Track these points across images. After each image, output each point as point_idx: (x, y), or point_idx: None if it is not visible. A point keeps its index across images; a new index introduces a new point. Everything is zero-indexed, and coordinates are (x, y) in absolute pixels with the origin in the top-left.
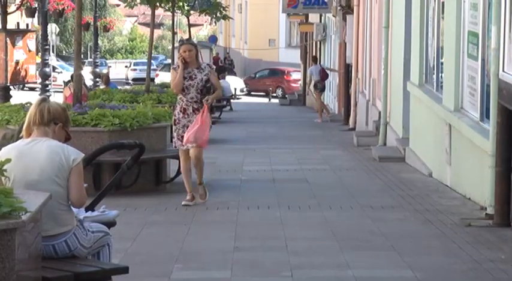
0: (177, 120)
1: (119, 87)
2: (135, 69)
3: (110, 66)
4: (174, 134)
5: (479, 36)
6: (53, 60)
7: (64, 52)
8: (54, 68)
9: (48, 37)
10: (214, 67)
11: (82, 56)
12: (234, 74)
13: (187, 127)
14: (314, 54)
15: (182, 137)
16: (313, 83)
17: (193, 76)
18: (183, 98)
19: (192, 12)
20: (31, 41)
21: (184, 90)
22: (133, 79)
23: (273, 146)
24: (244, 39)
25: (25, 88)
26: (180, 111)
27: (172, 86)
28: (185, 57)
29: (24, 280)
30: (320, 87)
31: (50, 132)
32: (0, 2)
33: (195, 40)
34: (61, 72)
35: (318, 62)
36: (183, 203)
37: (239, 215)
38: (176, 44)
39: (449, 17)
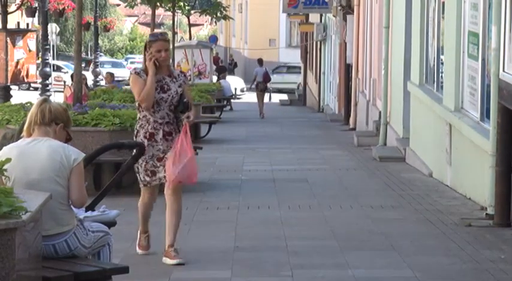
0: None
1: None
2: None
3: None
4: (140, 169)
5: (479, 36)
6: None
7: (65, 52)
8: (59, 68)
9: (49, 37)
10: (188, 75)
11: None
12: (233, 74)
13: (159, 159)
14: (259, 57)
15: (152, 172)
16: (255, 83)
17: (166, 87)
18: (150, 117)
19: (192, 12)
20: (31, 41)
21: (153, 106)
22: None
23: (273, 146)
24: (244, 39)
25: (30, 88)
26: (145, 138)
27: (140, 99)
28: (159, 59)
29: (25, 279)
30: (261, 88)
31: (51, 133)
32: (0, 1)
33: (195, 40)
34: (67, 72)
35: (263, 65)
36: (140, 252)
37: (239, 215)
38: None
39: (450, 17)
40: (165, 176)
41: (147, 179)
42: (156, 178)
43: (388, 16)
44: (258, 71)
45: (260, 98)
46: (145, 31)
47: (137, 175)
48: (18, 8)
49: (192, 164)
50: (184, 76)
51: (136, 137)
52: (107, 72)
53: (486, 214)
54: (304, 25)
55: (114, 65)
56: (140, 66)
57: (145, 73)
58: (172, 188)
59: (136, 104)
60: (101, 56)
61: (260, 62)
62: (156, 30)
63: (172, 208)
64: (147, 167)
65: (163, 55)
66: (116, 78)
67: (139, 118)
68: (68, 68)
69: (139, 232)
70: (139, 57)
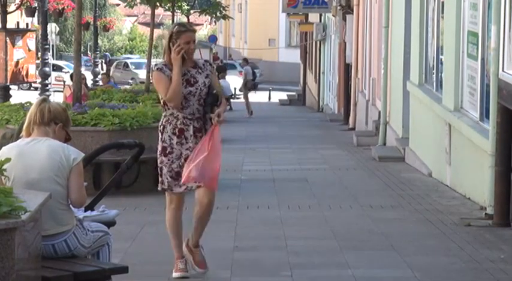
0: (168, 149)
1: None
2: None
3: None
4: (164, 170)
5: (479, 36)
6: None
7: (65, 52)
8: (60, 68)
9: (48, 37)
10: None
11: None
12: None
13: (186, 158)
14: (245, 56)
15: (178, 173)
16: (243, 82)
17: (193, 80)
18: (178, 113)
19: (192, 11)
20: (31, 41)
21: (181, 102)
22: None
23: (272, 145)
24: (244, 39)
25: (31, 88)
26: (173, 134)
27: (167, 98)
28: (188, 52)
29: (24, 279)
30: (250, 86)
31: (50, 132)
32: (0, 1)
33: None
34: (68, 72)
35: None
36: (176, 275)
37: (239, 215)
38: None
39: (449, 16)
40: (198, 186)
41: (171, 181)
42: (181, 183)
43: (388, 16)
44: (247, 70)
45: (246, 96)
46: (145, 31)
47: (159, 177)
48: (17, 8)
49: (210, 161)
50: (210, 65)
51: (162, 133)
52: (103, 73)
53: (485, 213)
54: (304, 25)
55: (140, 66)
56: (161, 60)
57: (168, 68)
58: (207, 194)
59: (162, 102)
60: (106, 55)
61: (246, 60)
62: (184, 25)
63: (203, 215)
64: (173, 167)
65: (191, 48)
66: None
67: (165, 115)
68: (69, 68)
69: (175, 258)
70: (135, 58)
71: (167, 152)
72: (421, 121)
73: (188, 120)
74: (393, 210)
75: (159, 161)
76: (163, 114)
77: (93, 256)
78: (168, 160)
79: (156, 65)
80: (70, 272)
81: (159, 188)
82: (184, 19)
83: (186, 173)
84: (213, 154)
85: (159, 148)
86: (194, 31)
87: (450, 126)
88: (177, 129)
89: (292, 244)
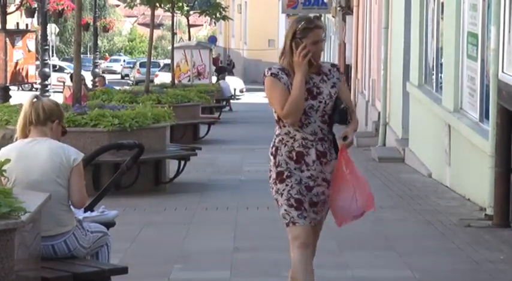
0: (285, 173)
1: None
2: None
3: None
4: (281, 200)
5: (478, 37)
6: (55, 60)
7: (65, 52)
8: (63, 69)
9: (48, 37)
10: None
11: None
12: (233, 74)
13: (308, 187)
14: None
15: (298, 201)
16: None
17: (315, 90)
18: (296, 133)
19: (191, 12)
20: (31, 41)
21: (299, 119)
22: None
23: None
24: (243, 40)
25: (33, 89)
26: (289, 158)
27: (284, 113)
28: (315, 55)
29: (24, 280)
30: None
31: (48, 131)
32: (0, 2)
33: (194, 40)
34: (69, 73)
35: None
36: None
37: (238, 216)
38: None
39: (449, 17)
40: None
41: (293, 212)
42: (305, 214)
43: (388, 17)
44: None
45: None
46: (145, 32)
47: (279, 208)
48: (17, 9)
49: (362, 194)
50: (338, 71)
51: (275, 157)
52: (99, 76)
53: (485, 214)
54: None
55: None
56: (275, 65)
57: (285, 73)
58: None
59: (275, 116)
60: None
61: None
62: (299, 16)
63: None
64: (291, 194)
65: (321, 49)
66: None
67: (279, 134)
68: (71, 69)
69: None
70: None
71: (284, 176)
72: (420, 122)
73: (309, 141)
74: (393, 211)
75: (274, 190)
76: (276, 132)
77: (93, 256)
78: (286, 185)
79: (270, 69)
80: (69, 272)
81: (285, 222)
82: (184, 20)
83: (344, 220)
84: (357, 182)
85: (273, 175)
86: (323, 28)
87: (450, 127)
88: (294, 153)
89: None
